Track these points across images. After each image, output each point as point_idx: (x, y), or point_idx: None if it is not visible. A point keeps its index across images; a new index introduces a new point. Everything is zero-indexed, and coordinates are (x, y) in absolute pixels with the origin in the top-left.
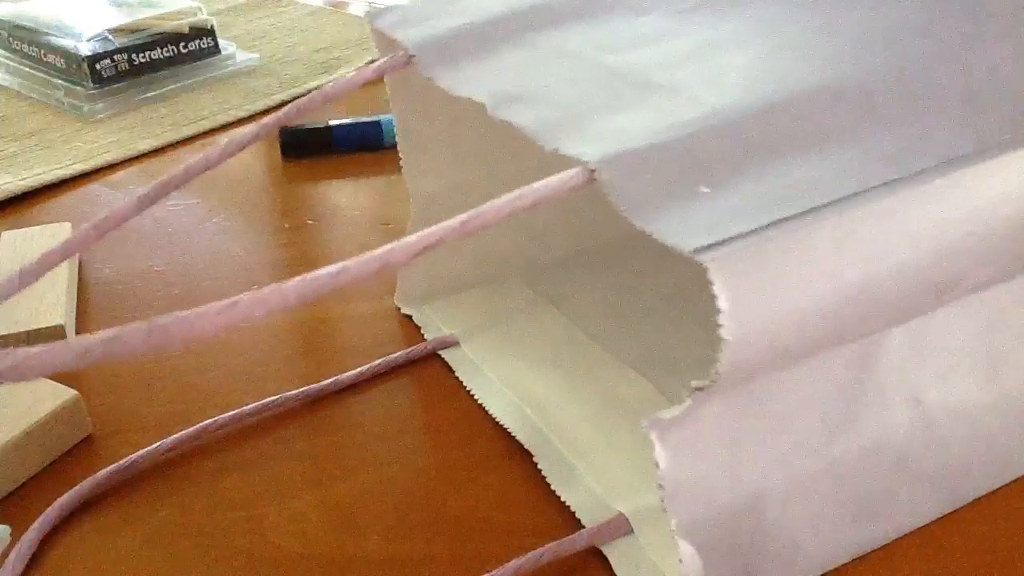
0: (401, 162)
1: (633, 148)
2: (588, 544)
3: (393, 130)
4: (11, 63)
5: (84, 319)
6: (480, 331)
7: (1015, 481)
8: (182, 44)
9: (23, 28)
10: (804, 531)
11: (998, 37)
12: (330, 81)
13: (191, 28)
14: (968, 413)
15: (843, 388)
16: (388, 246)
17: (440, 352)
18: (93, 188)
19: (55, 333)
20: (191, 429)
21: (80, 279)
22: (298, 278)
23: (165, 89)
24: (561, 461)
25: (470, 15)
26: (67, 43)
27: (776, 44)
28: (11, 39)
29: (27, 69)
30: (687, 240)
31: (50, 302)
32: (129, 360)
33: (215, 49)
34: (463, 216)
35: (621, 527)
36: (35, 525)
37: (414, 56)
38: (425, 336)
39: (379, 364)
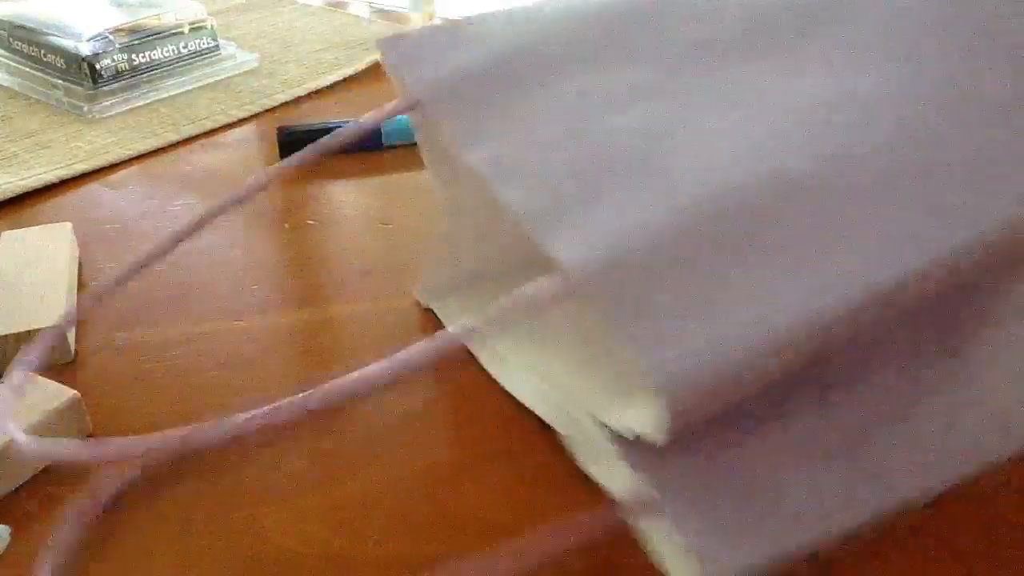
0: (434, 189)
1: (618, 252)
2: (618, 520)
3: (393, 130)
4: (11, 63)
5: (84, 319)
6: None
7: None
8: (182, 44)
9: (23, 28)
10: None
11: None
12: (340, 127)
13: (191, 28)
14: None
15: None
16: (406, 352)
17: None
18: (93, 188)
19: (55, 333)
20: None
21: (80, 279)
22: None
23: (165, 89)
24: (589, 442)
25: (478, 49)
26: (67, 43)
27: (775, 117)
28: (11, 39)
29: (27, 69)
30: (659, 368)
31: (51, 302)
32: (128, 362)
33: (215, 49)
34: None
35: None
36: (64, 527)
37: (420, 101)
38: (446, 327)
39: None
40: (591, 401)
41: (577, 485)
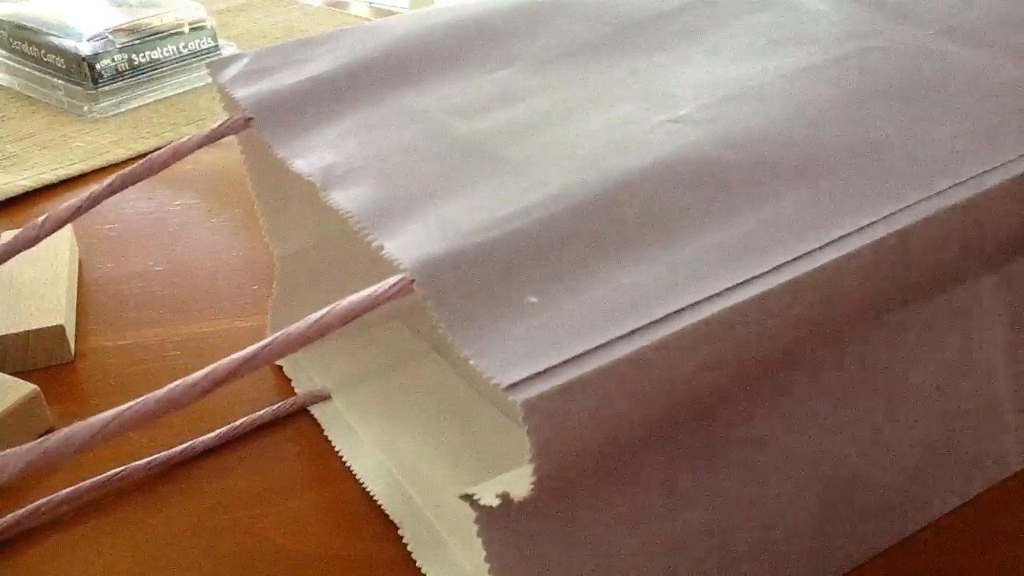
0: (261, 222)
1: (459, 248)
2: None
3: None
4: (11, 63)
5: (84, 319)
6: (355, 383)
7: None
8: (182, 44)
9: (23, 28)
10: None
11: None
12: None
13: (191, 28)
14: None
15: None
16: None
17: (310, 408)
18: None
19: (55, 333)
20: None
21: (80, 279)
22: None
23: (165, 89)
24: (430, 534)
25: (316, 66)
26: (67, 43)
27: (640, 106)
28: (11, 39)
29: (27, 69)
30: (504, 372)
31: (50, 302)
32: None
33: (215, 49)
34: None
35: None
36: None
37: (252, 119)
38: (296, 390)
39: (242, 424)
40: (441, 473)
41: None
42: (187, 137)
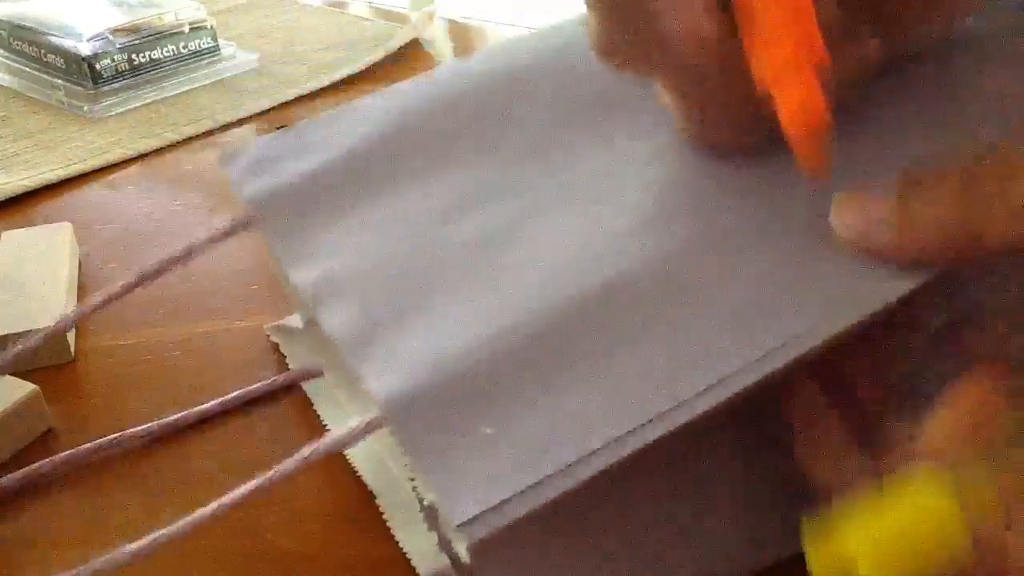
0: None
1: (426, 383)
2: None
3: None
4: (11, 63)
5: (84, 319)
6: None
7: None
8: (182, 44)
9: (23, 28)
10: None
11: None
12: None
13: (191, 28)
14: None
15: None
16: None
17: (302, 384)
18: (93, 188)
19: (55, 333)
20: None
21: (80, 279)
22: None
23: (165, 89)
24: (406, 504)
25: (316, 158)
26: (67, 43)
27: (603, 213)
28: (11, 39)
29: (27, 69)
30: (458, 507)
31: (51, 302)
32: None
33: (215, 49)
34: None
35: None
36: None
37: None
38: (290, 365)
39: (235, 396)
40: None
41: None
42: (200, 239)
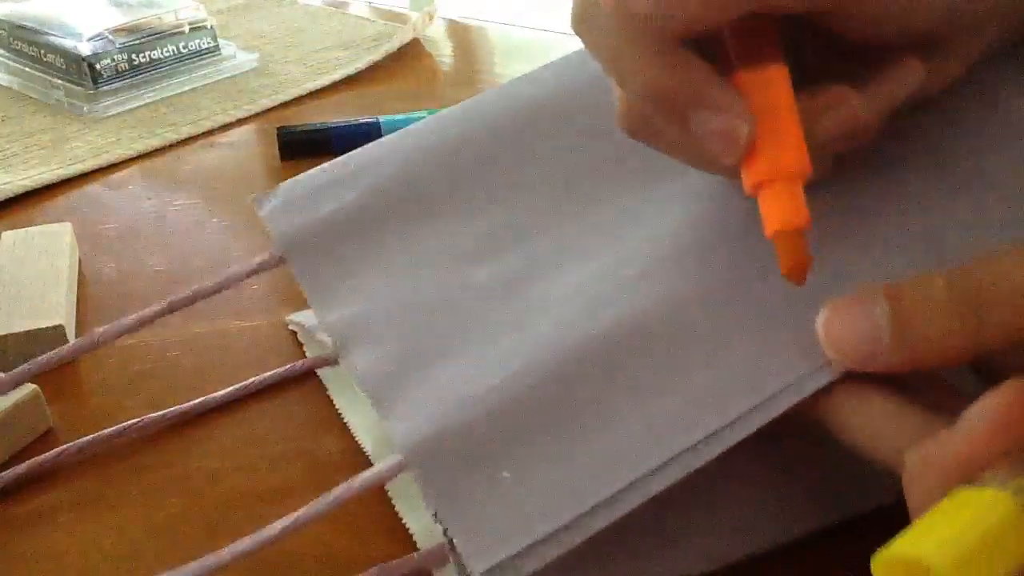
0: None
1: (446, 428)
2: (418, 567)
3: (393, 131)
4: (11, 63)
5: (84, 319)
6: None
7: None
8: (182, 44)
9: (23, 28)
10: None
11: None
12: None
13: (191, 28)
14: None
15: None
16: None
17: (317, 371)
18: (93, 188)
19: (56, 333)
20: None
21: (80, 279)
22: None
23: (165, 89)
24: (412, 485)
25: (342, 197)
26: (67, 43)
27: (624, 255)
28: (11, 39)
29: (27, 69)
30: (479, 559)
31: (51, 302)
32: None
33: (215, 49)
34: None
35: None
36: None
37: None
38: (306, 353)
39: (252, 382)
40: None
41: None
42: (233, 274)
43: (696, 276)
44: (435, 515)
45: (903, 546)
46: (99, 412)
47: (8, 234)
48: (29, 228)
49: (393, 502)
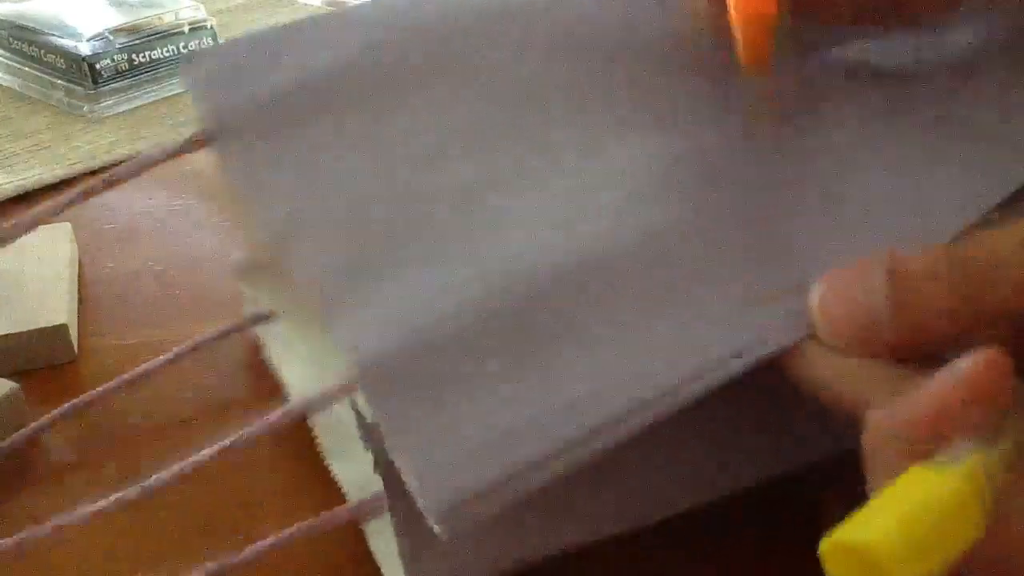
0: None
1: (402, 348)
2: (349, 520)
3: None
4: (11, 63)
5: (85, 319)
6: (300, 305)
7: None
8: (182, 44)
9: (23, 28)
10: None
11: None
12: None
13: (191, 28)
14: None
15: None
16: None
17: (255, 327)
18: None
19: (58, 332)
20: None
21: (80, 279)
22: None
23: (165, 89)
24: (348, 438)
25: (289, 69)
26: (67, 43)
27: (605, 175)
28: (11, 39)
29: (27, 69)
30: (434, 497)
31: (52, 302)
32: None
33: None
34: None
35: (382, 506)
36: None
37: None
38: (244, 310)
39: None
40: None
41: None
42: (145, 153)
43: (677, 211)
44: (374, 455)
45: (852, 531)
46: (100, 411)
47: None
48: None
49: (321, 450)
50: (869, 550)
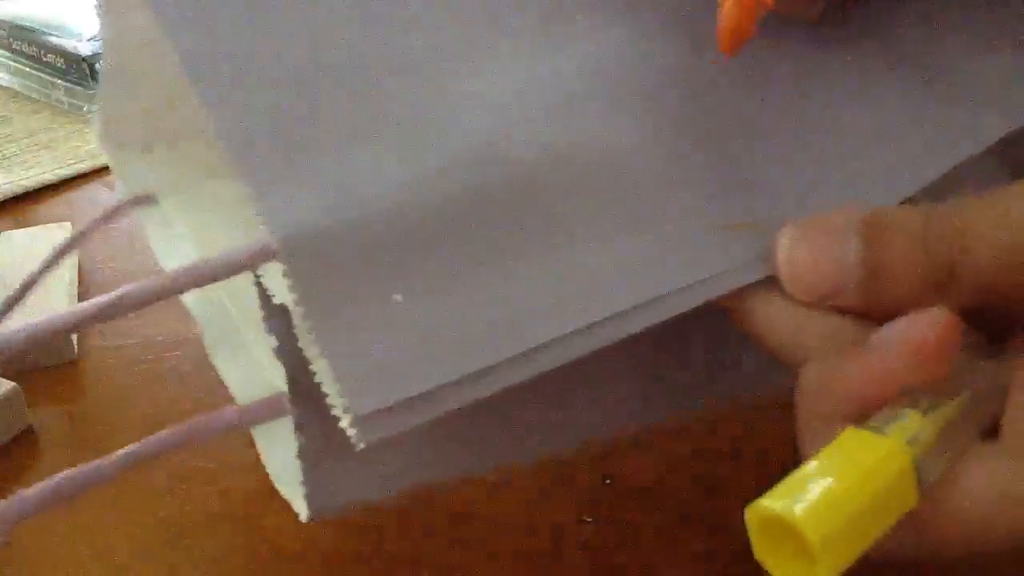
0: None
1: (334, 221)
2: (237, 423)
3: None
4: (11, 63)
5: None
6: (184, 187)
7: None
8: None
9: (23, 28)
10: None
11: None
12: None
13: None
14: None
15: None
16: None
17: (136, 210)
18: (93, 188)
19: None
20: None
21: (80, 279)
22: None
23: None
24: (235, 334)
25: None
26: (67, 43)
27: (576, 67)
28: (11, 39)
29: (27, 69)
30: (357, 399)
31: (52, 303)
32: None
33: None
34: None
35: (277, 407)
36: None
37: None
38: (119, 194)
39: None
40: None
41: None
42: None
43: (648, 122)
44: (278, 340)
45: (778, 500)
46: (100, 411)
47: (8, 234)
48: (29, 228)
49: (210, 352)
50: (795, 525)
